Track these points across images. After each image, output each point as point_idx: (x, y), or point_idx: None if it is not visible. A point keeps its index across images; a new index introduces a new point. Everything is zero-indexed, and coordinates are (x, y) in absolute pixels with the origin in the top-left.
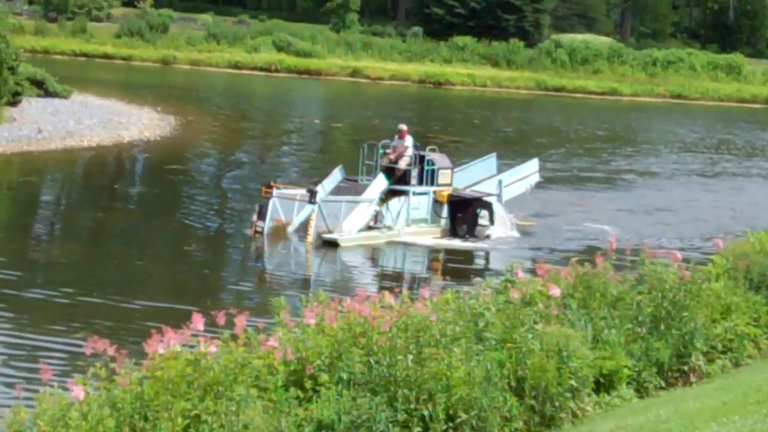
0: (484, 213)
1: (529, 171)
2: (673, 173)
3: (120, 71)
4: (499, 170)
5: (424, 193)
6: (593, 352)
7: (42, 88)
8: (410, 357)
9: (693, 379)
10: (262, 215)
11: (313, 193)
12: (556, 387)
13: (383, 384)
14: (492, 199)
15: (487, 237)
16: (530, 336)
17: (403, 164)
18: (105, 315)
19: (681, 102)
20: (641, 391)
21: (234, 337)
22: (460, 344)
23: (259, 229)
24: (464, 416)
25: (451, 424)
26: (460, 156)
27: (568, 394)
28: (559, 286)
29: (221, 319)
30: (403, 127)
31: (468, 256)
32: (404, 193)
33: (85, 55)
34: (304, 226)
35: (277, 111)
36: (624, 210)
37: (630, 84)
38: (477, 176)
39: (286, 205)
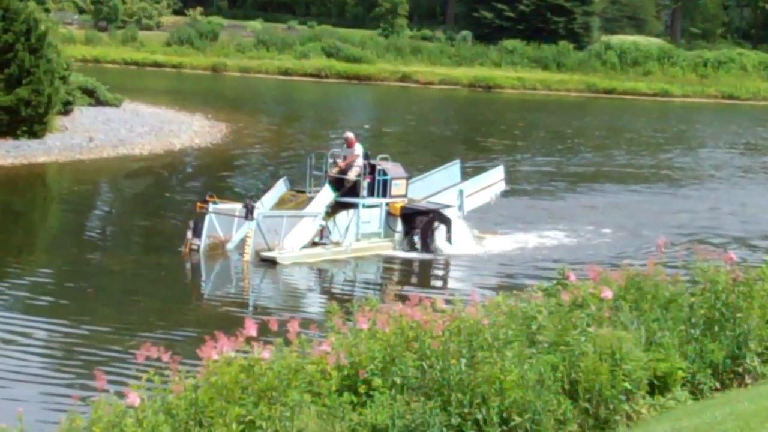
0: (441, 227)
1: (494, 179)
2: (723, 173)
3: (170, 79)
4: (464, 178)
5: (376, 206)
6: (647, 354)
7: (93, 97)
8: (463, 361)
9: (748, 380)
10: (197, 232)
11: (250, 209)
12: (609, 389)
13: (436, 388)
14: (450, 212)
15: (442, 251)
16: (583, 339)
17: (352, 175)
18: (157, 322)
19: (732, 102)
20: (696, 392)
21: (287, 343)
22: (512, 347)
23: (194, 246)
24: (518, 419)
25: (505, 428)
26: (505, 158)
27: (622, 397)
28: (610, 288)
29: (274, 325)
30: (350, 135)
31: (423, 271)
32: (353, 205)
33: (136, 63)
34: (242, 244)
35: (327, 117)
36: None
37: (681, 85)
38: (438, 186)
39: (224, 221)
